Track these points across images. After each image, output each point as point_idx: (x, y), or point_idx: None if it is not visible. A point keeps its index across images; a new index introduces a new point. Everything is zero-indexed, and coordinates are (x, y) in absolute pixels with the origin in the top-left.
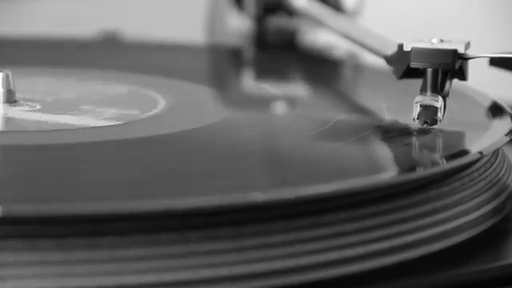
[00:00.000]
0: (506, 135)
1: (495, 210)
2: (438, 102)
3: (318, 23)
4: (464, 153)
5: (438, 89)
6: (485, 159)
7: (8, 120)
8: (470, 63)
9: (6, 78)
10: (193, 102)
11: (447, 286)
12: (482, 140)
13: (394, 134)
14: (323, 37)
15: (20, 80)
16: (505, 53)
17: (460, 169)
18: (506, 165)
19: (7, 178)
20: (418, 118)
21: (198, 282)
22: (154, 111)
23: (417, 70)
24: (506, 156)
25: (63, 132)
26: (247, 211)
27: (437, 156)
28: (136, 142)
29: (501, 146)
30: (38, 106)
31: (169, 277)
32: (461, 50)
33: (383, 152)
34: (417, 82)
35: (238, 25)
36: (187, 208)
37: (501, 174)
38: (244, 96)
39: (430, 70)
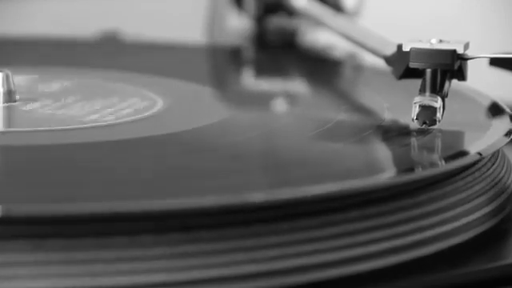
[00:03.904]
0: (505, 136)
1: (495, 211)
2: (437, 103)
3: (318, 23)
4: (463, 154)
5: (437, 89)
6: (485, 160)
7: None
8: (470, 63)
9: (6, 77)
10: (193, 102)
11: (447, 286)
12: (482, 141)
13: (393, 134)
14: (323, 37)
15: (20, 80)
16: (504, 53)
17: (460, 170)
18: (506, 165)
19: (7, 178)
20: (416, 119)
21: (196, 282)
22: (154, 111)
23: (416, 70)
24: (506, 156)
25: (63, 132)
26: (247, 212)
27: (436, 157)
28: (136, 142)
29: (501, 147)
30: (42, 104)
31: (167, 278)
32: (460, 50)
33: (383, 152)
34: (417, 82)
35: (238, 25)
36: (186, 208)
37: (501, 175)
38: (244, 96)
39: (429, 71)
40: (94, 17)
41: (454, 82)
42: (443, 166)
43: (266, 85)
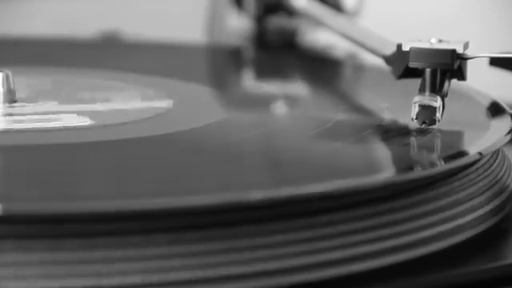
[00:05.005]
0: (506, 135)
1: (495, 210)
2: (437, 102)
3: (318, 23)
4: (463, 153)
5: (437, 89)
6: (485, 159)
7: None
8: (470, 63)
9: (6, 78)
10: (193, 102)
11: (447, 286)
12: (482, 140)
13: (393, 133)
14: (323, 37)
15: (20, 80)
16: (504, 53)
17: (460, 169)
18: (505, 165)
19: (7, 178)
20: (416, 118)
21: (197, 282)
22: (154, 111)
23: (415, 69)
24: (506, 156)
25: (63, 132)
26: (246, 211)
27: (436, 156)
28: (136, 141)
29: (501, 146)
30: (42, 104)
31: (167, 277)
32: (459, 50)
33: (382, 152)
34: (416, 82)
35: (238, 25)
36: (186, 208)
37: (501, 174)
38: (244, 96)
39: (428, 70)
40: (94, 17)
41: (454, 81)
42: (443, 166)
43: (266, 85)
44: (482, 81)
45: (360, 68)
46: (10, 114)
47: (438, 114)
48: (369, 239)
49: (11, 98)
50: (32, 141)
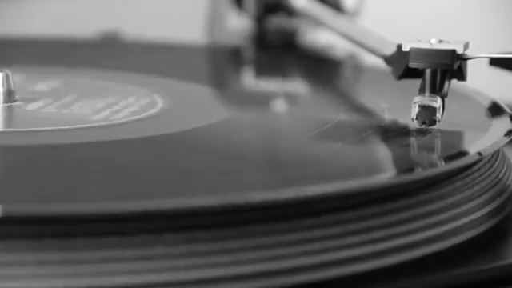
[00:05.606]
0: (505, 136)
1: (495, 211)
2: (437, 103)
3: (318, 23)
4: (463, 154)
5: (437, 89)
6: (485, 160)
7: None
8: (470, 63)
9: (6, 78)
10: (193, 102)
11: (447, 286)
12: (482, 141)
13: (393, 134)
14: (323, 37)
15: (20, 80)
16: (504, 53)
17: (460, 170)
18: (506, 165)
19: (7, 178)
20: (416, 119)
21: (199, 282)
22: (154, 111)
23: (416, 70)
24: (506, 156)
25: (63, 132)
26: (248, 211)
27: (436, 157)
28: (136, 141)
29: (501, 147)
30: (42, 104)
31: (168, 277)
32: (459, 50)
33: (382, 153)
34: (416, 82)
35: (238, 25)
36: (187, 208)
37: (501, 175)
38: (244, 96)
39: (428, 71)
40: (94, 17)
41: (454, 81)
42: (443, 166)
43: (266, 85)
44: (482, 81)
45: (360, 68)
46: (10, 114)
47: (438, 115)
48: (370, 240)
49: (11, 98)
50: (31, 141)
